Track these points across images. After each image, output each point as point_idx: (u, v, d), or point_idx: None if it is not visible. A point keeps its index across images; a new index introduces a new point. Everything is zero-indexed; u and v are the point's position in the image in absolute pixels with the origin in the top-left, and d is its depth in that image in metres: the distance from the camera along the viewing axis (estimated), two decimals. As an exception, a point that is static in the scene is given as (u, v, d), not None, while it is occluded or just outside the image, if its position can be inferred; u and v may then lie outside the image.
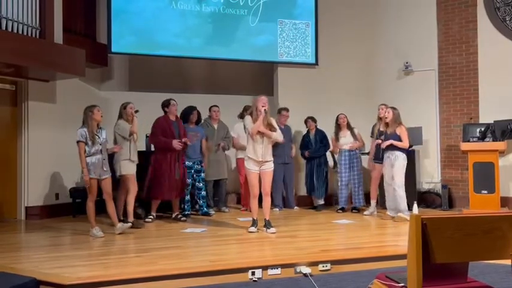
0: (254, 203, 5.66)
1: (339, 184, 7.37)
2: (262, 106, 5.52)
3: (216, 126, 7.37)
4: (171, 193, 6.37)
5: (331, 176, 7.78)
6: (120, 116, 6.03)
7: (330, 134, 7.54)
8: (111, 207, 5.57)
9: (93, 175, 5.36)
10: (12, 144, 6.81)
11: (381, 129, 6.86)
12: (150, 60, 8.37)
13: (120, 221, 5.83)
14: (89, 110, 5.44)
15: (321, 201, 7.55)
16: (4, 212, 6.70)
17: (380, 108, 6.97)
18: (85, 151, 5.35)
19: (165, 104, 6.53)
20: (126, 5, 7.65)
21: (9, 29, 5.75)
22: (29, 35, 6.04)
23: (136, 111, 5.93)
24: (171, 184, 6.32)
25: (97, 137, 5.42)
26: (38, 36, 6.18)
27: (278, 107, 7.92)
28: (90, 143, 5.36)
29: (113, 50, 7.57)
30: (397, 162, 6.29)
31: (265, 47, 8.29)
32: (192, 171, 6.85)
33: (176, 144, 6.26)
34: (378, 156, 6.89)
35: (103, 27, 7.72)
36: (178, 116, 6.94)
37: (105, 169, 5.49)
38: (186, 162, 6.77)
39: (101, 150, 5.46)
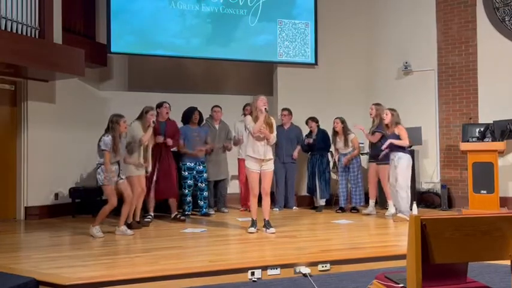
0: (254, 202, 5.67)
1: (339, 183, 7.39)
2: (263, 105, 5.53)
3: (217, 126, 7.38)
4: (154, 192, 6.36)
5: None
6: (139, 117, 5.99)
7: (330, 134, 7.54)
8: (125, 209, 5.56)
9: (109, 182, 5.36)
10: (12, 144, 6.80)
11: (373, 129, 6.92)
12: (150, 60, 8.37)
13: (137, 222, 5.92)
14: (116, 121, 5.41)
15: (322, 202, 7.53)
16: (3, 212, 6.69)
17: (370, 108, 7.00)
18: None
19: (158, 105, 6.57)
20: (126, 4, 7.65)
21: (9, 29, 5.74)
22: (28, 34, 6.03)
23: (154, 123, 5.93)
24: (155, 183, 6.33)
25: (119, 148, 5.42)
26: (37, 36, 6.18)
27: (278, 107, 7.93)
28: (112, 153, 5.36)
29: (112, 49, 7.57)
30: (400, 164, 6.29)
31: (264, 47, 8.29)
32: (194, 172, 6.85)
33: (158, 138, 6.25)
34: (373, 156, 6.92)
35: (102, 27, 7.72)
36: (180, 117, 6.96)
37: (121, 176, 5.52)
38: (188, 163, 6.78)
39: (118, 161, 5.49)
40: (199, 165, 6.92)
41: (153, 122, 5.93)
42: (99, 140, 5.40)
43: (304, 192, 7.92)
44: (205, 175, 6.96)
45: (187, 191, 6.79)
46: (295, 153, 7.61)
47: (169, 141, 6.45)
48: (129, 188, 5.58)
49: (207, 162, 7.13)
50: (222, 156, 7.42)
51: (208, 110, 7.45)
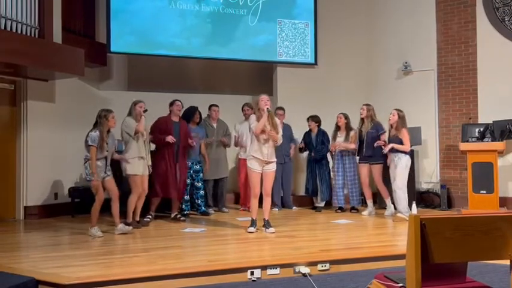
0: (254, 202, 5.66)
1: (334, 184, 7.37)
2: (265, 105, 5.52)
3: (215, 125, 7.39)
4: (169, 191, 6.38)
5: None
6: (130, 113, 6.00)
7: (330, 134, 7.52)
8: (115, 207, 5.57)
9: (96, 178, 5.37)
10: (11, 144, 6.80)
11: (362, 129, 6.91)
12: (149, 60, 8.36)
13: (137, 222, 5.91)
14: (104, 116, 5.41)
15: (322, 204, 7.52)
16: (3, 212, 6.69)
17: (361, 109, 6.98)
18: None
19: (170, 103, 6.62)
20: (125, 4, 7.64)
21: (8, 29, 5.74)
22: (28, 34, 6.02)
23: (145, 111, 5.93)
24: (169, 183, 6.34)
25: (106, 144, 5.42)
26: (37, 36, 6.17)
27: (277, 106, 7.92)
28: (99, 149, 5.35)
29: (112, 49, 7.56)
30: (399, 164, 6.30)
31: (264, 47, 8.29)
32: (191, 171, 6.87)
33: (170, 138, 6.28)
34: (363, 156, 6.92)
35: (102, 26, 7.71)
36: (180, 115, 6.97)
37: (107, 173, 5.50)
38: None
39: (105, 157, 5.47)
40: (196, 164, 6.93)
41: (144, 110, 5.91)
42: (87, 135, 5.40)
43: (301, 192, 7.90)
44: (201, 174, 6.98)
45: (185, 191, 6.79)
46: (292, 151, 7.63)
47: (192, 142, 6.54)
48: (115, 186, 5.56)
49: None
50: (221, 154, 7.43)
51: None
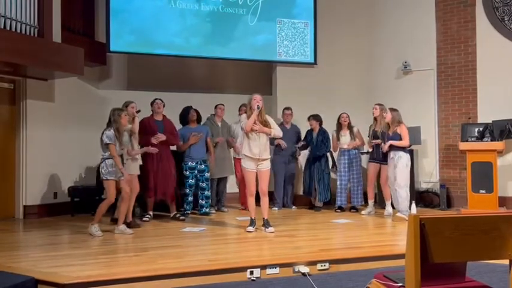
0: (251, 201, 5.64)
1: (338, 184, 7.37)
2: (256, 104, 5.52)
3: (219, 124, 7.39)
4: (154, 191, 6.37)
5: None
6: None
7: (330, 133, 7.51)
8: (123, 207, 5.52)
9: (112, 177, 5.35)
10: (11, 143, 6.80)
11: (376, 129, 6.90)
12: (149, 59, 8.37)
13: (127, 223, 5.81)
14: (118, 115, 5.45)
15: (321, 204, 7.50)
16: (2, 211, 6.68)
17: (374, 108, 6.98)
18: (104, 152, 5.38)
19: (151, 103, 6.60)
20: (125, 3, 7.65)
21: (8, 28, 5.74)
22: (28, 33, 6.02)
23: (138, 111, 5.93)
24: (155, 182, 6.33)
25: (123, 141, 5.48)
26: (36, 35, 6.16)
27: (277, 106, 7.92)
28: (117, 145, 5.37)
29: (111, 48, 7.57)
30: (400, 163, 6.29)
31: (264, 46, 8.30)
32: (196, 171, 6.82)
33: (153, 139, 6.27)
34: (374, 156, 6.92)
35: (102, 25, 7.71)
36: (178, 118, 6.96)
37: (123, 172, 5.50)
38: (189, 163, 6.76)
39: (121, 155, 5.49)
40: (201, 164, 6.85)
41: (137, 111, 5.94)
42: (102, 134, 5.41)
43: (301, 191, 7.89)
44: (206, 174, 6.90)
45: (188, 190, 6.76)
46: (298, 152, 7.63)
47: (163, 136, 6.39)
48: (127, 185, 5.57)
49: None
50: (226, 153, 7.43)
51: (208, 109, 7.45)
